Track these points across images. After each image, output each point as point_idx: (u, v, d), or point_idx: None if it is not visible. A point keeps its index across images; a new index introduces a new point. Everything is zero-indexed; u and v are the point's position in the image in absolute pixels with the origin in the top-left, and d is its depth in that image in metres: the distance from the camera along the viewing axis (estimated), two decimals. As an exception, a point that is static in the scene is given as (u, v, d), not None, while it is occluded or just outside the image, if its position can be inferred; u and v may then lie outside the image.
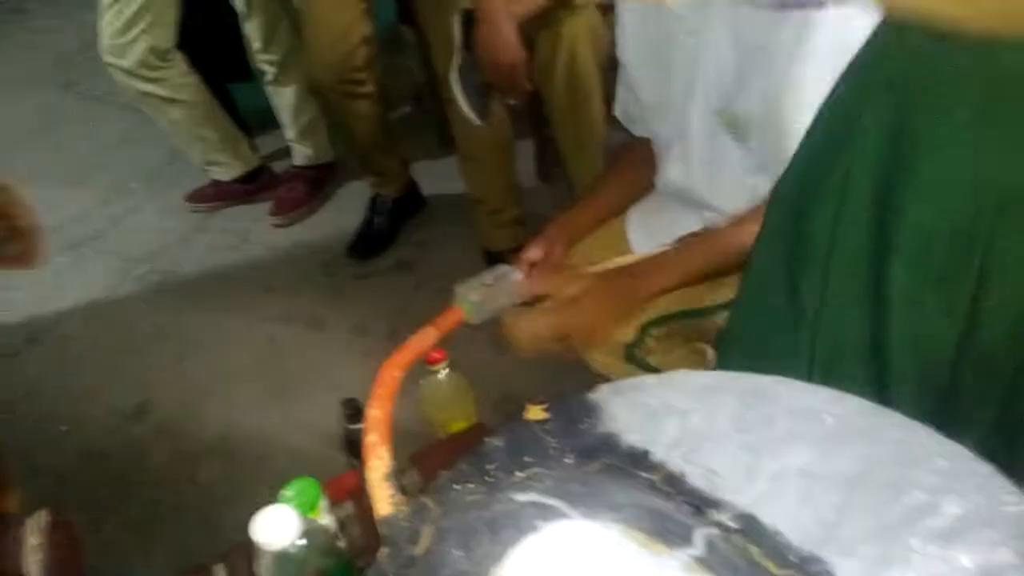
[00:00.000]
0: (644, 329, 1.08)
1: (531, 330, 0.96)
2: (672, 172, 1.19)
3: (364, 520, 0.82)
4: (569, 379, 1.26)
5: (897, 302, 0.75)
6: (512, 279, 1.02)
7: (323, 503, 0.76)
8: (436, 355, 1.12)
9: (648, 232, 1.24)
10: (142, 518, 1.62)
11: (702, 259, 1.02)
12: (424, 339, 0.82)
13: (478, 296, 0.96)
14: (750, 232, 0.94)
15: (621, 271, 0.98)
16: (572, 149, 1.79)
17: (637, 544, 0.39)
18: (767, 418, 0.61)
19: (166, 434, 1.81)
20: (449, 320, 0.91)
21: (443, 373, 1.15)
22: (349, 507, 0.87)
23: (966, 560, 0.50)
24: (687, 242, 1.03)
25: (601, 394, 0.65)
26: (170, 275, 2.28)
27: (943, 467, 0.56)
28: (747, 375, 0.71)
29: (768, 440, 0.59)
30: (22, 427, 1.85)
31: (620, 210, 1.26)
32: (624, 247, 1.28)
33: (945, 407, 0.77)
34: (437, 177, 2.30)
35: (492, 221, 1.94)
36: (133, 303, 2.20)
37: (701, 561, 0.41)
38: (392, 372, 0.71)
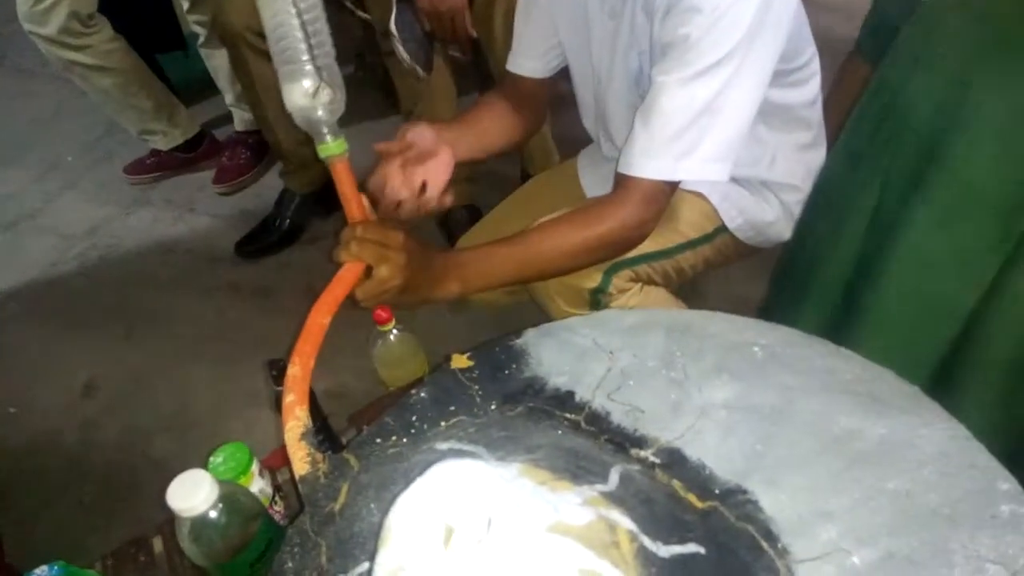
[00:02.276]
0: (608, 273, 1.07)
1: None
2: (603, 147, 1.18)
3: (297, 487, 0.80)
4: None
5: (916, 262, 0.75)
6: None
7: (255, 468, 0.74)
8: (384, 314, 1.09)
9: (597, 176, 1.22)
10: (96, 496, 1.58)
11: (546, 255, 0.91)
12: (344, 279, 0.76)
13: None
14: (620, 218, 0.92)
15: (447, 258, 0.88)
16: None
17: (537, 481, 0.37)
18: (696, 353, 0.60)
19: (117, 411, 1.77)
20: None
21: (393, 333, 1.13)
22: (287, 472, 0.85)
23: (889, 482, 0.50)
24: (527, 238, 0.92)
25: (527, 338, 0.64)
26: (112, 250, 2.21)
27: (868, 392, 0.55)
28: (679, 311, 0.70)
29: (695, 375, 0.58)
30: (-34, 412, 1.80)
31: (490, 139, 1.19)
32: (577, 190, 1.25)
33: (944, 378, 0.77)
34: (382, 136, 2.24)
35: (440, 180, 1.90)
36: (75, 280, 2.13)
37: (610, 496, 0.39)
38: (317, 320, 0.68)
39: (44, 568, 0.64)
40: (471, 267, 0.88)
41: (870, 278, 0.79)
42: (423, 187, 1.04)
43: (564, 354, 0.61)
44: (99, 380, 1.84)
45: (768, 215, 1.13)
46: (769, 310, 1.09)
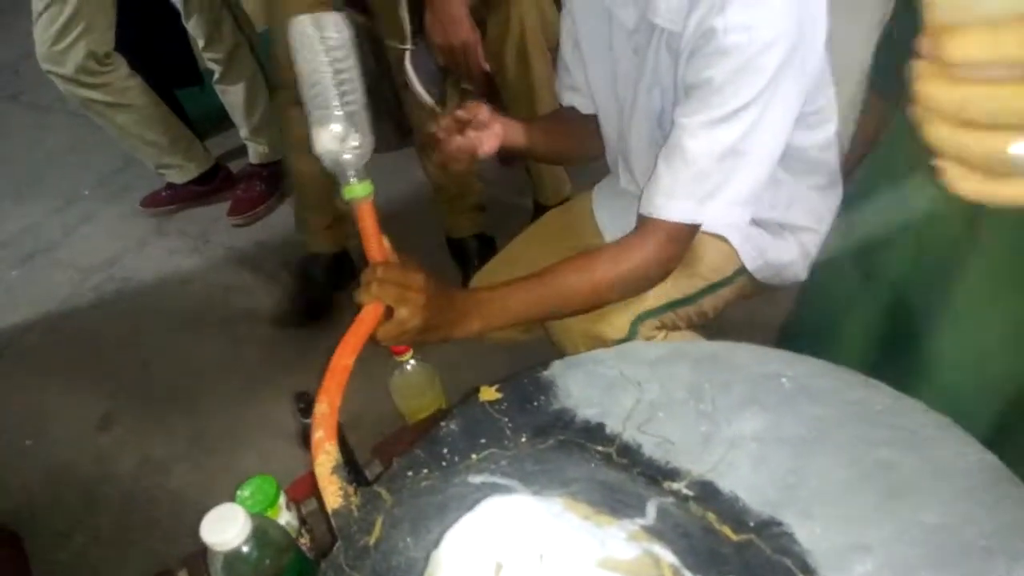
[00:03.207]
0: (635, 324, 1.06)
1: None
2: (622, 180, 1.18)
3: (327, 518, 0.80)
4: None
5: (965, 310, 0.72)
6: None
7: (282, 501, 0.74)
8: (400, 346, 1.10)
9: (614, 210, 1.22)
10: (113, 528, 1.58)
11: (567, 293, 0.92)
12: (366, 320, 0.78)
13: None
14: (641, 258, 0.92)
15: (467, 297, 0.89)
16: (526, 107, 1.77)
17: (580, 516, 0.37)
18: (723, 385, 0.60)
19: (133, 443, 1.77)
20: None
21: (411, 364, 1.13)
22: (312, 504, 0.85)
23: (926, 516, 0.49)
24: (547, 278, 0.92)
25: (555, 370, 0.64)
26: (128, 282, 2.23)
27: (901, 424, 0.55)
28: (704, 342, 0.70)
29: (724, 407, 0.58)
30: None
31: (558, 142, 1.21)
32: (592, 225, 1.26)
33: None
34: (393, 167, 2.27)
35: (453, 208, 1.92)
36: (92, 312, 2.15)
37: (650, 530, 0.39)
38: (341, 362, 0.69)
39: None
40: (491, 305, 0.89)
41: (907, 343, 0.75)
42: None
43: (592, 386, 0.62)
44: (116, 412, 1.85)
45: (786, 256, 1.13)
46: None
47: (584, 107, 1.18)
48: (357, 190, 0.81)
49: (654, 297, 1.04)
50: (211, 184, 2.43)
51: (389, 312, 0.80)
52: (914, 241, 0.73)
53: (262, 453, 1.64)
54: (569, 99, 1.20)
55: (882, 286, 0.78)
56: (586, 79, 1.14)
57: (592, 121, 1.19)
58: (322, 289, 1.97)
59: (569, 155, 1.26)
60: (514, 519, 0.34)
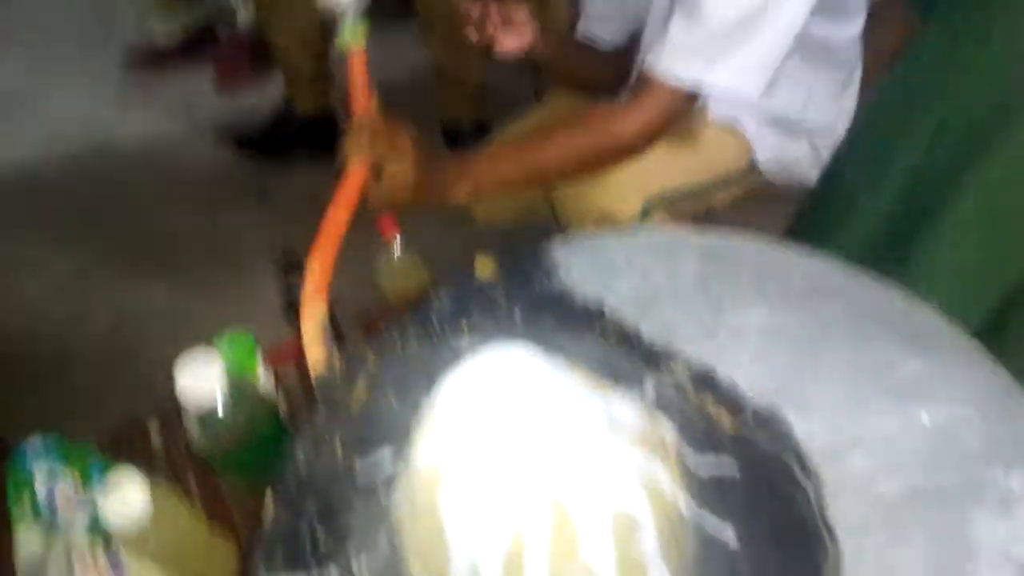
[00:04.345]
0: (645, 207, 1.04)
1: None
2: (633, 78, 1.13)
3: (304, 382, 0.79)
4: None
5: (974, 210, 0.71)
6: None
7: (260, 365, 0.72)
8: (389, 227, 1.07)
9: None
10: (85, 385, 1.57)
11: (558, 157, 0.89)
12: (354, 176, 0.75)
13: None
14: (634, 123, 0.89)
15: (457, 160, 0.87)
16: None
17: (583, 379, 0.35)
18: (731, 276, 0.57)
19: (108, 300, 1.74)
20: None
21: (398, 247, 1.11)
22: (291, 371, 0.83)
23: (925, 416, 0.48)
24: (538, 140, 0.91)
25: (557, 249, 0.61)
26: (108, 142, 2.14)
27: (908, 325, 0.53)
28: (714, 234, 0.68)
29: (730, 298, 0.56)
30: (-43, 294, 1.77)
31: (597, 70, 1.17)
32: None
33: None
34: (394, 41, 2.16)
35: (453, 91, 1.84)
36: (70, 169, 2.08)
37: (649, 406, 0.38)
38: (334, 218, 0.66)
39: (37, 439, 0.63)
40: (482, 167, 0.87)
41: (920, 229, 0.75)
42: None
43: (594, 268, 0.59)
44: (93, 270, 1.81)
45: (797, 154, 1.11)
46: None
47: (606, 34, 1.14)
48: (354, 33, 0.77)
49: (668, 181, 1.02)
50: (197, 47, 2.32)
51: (376, 176, 0.77)
52: (936, 127, 0.72)
53: (242, 317, 1.63)
54: (591, 30, 1.15)
55: (892, 181, 0.76)
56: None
57: (609, 56, 1.14)
58: (296, 134, 1.95)
59: (586, 83, 1.20)
60: (516, 368, 0.32)
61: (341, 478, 0.45)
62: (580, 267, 0.59)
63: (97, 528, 0.62)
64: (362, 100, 0.81)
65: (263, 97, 2.22)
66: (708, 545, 0.34)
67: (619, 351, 0.50)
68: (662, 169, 1.01)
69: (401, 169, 0.77)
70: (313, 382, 0.53)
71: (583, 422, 0.31)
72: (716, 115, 1.07)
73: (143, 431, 0.80)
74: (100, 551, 0.60)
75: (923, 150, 0.75)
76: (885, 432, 0.48)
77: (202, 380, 0.56)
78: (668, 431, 0.36)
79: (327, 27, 1.06)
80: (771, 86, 0.92)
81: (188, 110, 2.22)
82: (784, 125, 1.09)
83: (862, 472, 0.46)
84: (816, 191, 1.06)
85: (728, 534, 0.36)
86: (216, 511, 0.66)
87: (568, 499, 0.29)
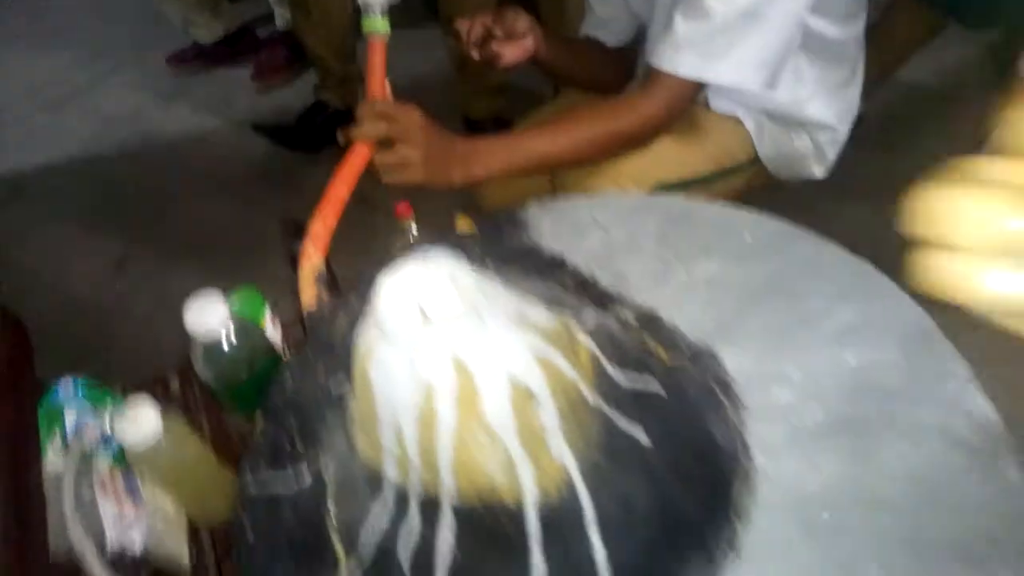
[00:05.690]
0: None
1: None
2: (640, 72, 1.18)
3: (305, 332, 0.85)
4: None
5: None
6: None
7: (268, 317, 0.79)
8: (405, 210, 1.13)
9: None
10: (121, 362, 1.67)
11: (565, 144, 0.93)
12: (359, 153, 0.81)
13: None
14: (641, 114, 0.93)
15: (467, 141, 0.91)
16: (555, 15, 1.75)
17: (518, 296, 0.40)
18: (687, 235, 0.62)
19: (148, 287, 1.84)
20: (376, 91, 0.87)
21: (413, 230, 1.16)
22: (300, 331, 0.90)
23: (851, 358, 0.53)
24: (548, 126, 0.95)
25: (530, 211, 0.67)
26: (150, 135, 2.26)
27: (846, 280, 0.58)
28: (678, 198, 0.73)
29: (684, 253, 0.61)
30: (5, 276, 1.88)
31: (594, 69, 1.21)
32: None
33: None
34: (418, 44, 2.24)
35: (475, 85, 1.91)
36: (113, 161, 2.19)
37: (580, 327, 0.43)
38: (336, 188, 0.73)
39: (69, 379, 0.70)
40: (494, 151, 0.91)
41: None
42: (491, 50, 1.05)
43: (563, 226, 0.64)
44: (131, 257, 1.91)
45: (799, 149, 1.13)
46: None
47: (610, 37, 1.18)
48: (377, 24, 0.83)
49: (671, 170, 1.05)
50: (237, 47, 2.42)
51: (387, 154, 0.83)
52: None
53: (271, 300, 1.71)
54: (594, 32, 1.19)
55: None
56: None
57: (615, 54, 1.18)
58: (325, 129, 2.04)
59: (592, 83, 1.24)
60: (443, 268, 0.37)
61: (318, 396, 0.51)
62: (549, 226, 0.65)
63: (117, 458, 0.69)
64: (378, 84, 0.87)
65: (297, 94, 2.31)
66: (617, 436, 0.39)
67: (573, 295, 0.56)
68: (667, 159, 1.05)
69: (411, 148, 0.82)
70: (304, 322, 0.60)
71: (492, 308, 0.36)
72: (718, 109, 1.10)
73: (163, 380, 0.87)
74: (119, 474, 0.68)
75: None
76: (812, 370, 0.52)
77: (209, 315, 0.62)
78: (588, 342, 0.42)
79: (357, 30, 1.12)
80: (772, 83, 0.95)
81: (227, 105, 2.32)
82: (785, 120, 1.11)
83: (785, 403, 0.51)
84: None
85: (640, 433, 0.41)
86: (223, 449, 0.72)
87: (469, 360, 0.34)
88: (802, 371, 0.52)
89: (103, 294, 1.84)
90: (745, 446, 0.48)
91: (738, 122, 1.11)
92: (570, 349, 0.39)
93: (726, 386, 0.50)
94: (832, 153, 1.14)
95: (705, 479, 0.46)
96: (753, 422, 0.49)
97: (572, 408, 0.37)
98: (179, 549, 0.67)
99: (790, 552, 0.44)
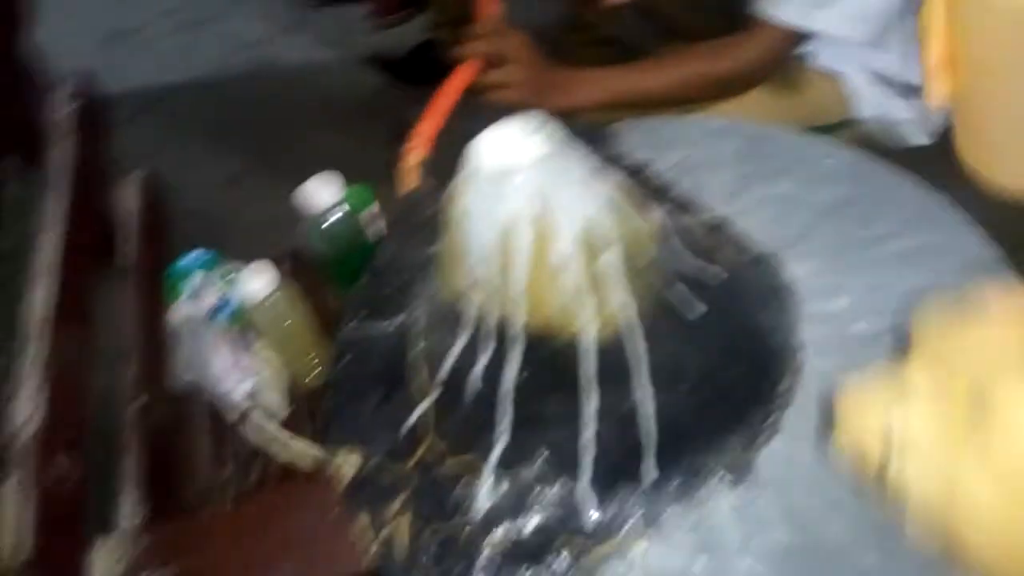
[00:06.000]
0: None
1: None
2: None
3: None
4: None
5: None
6: None
7: (376, 210, 0.85)
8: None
9: None
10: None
11: (663, 82, 0.96)
12: (466, 69, 0.86)
13: None
14: (740, 59, 0.94)
15: (568, 70, 0.94)
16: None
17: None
18: (766, 156, 0.66)
19: (259, 204, 1.98)
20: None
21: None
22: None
23: (909, 278, 0.55)
24: (653, 63, 0.98)
25: (620, 126, 0.72)
26: (272, 63, 2.39)
27: (915, 209, 0.60)
28: (760, 125, 0.76)
29: (762, 172, 0.64)
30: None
31: None
32: None
33: None
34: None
35: (586, 35, 1.92)
36: (235, 84, 2.34)
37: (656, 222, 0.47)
38: (442, 97, 0.79)
39: (196, 250, 0.80)
40: (592, 82, 0.94)
41: None
42: None
43: (649, 140, 0.69)
44: (246, 172, 2.06)
45: (903, 113, 1.11)
46: None
47: None
48: None
49: (763, 122, 1.06)
50: (358, -17, 2.51)
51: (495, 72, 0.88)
52: None
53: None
54: None
55: None
56: None
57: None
58: (435, 66, 2.08)
59: (692, 31, 1.24)
60: (532, 126, 0.42)
61: (413, 258, 0.58)
62: (635, 140, 0.69)
63: (235, 316, 0.78)
64: (492, 2, 0.92)
65: (413, 34, 2.39)
66: (675, 300, 0.44)
67: (652, 195, 0.60)
68: (758, 111, 1.05)
69: (517, 68, 0.87)
70: (400, 201, 0.67)
71: (577, 160, 0.42)
72: (820, 65, 1.09)
73: (278, 259, 0.96)
74: (234, 329, 0.77)
75: None
76: (870, 285, 0.55)
77: (321, 192, 0.70)
78: (659, 215, 0.46)
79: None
80: (881, 42, 0.94)
81: (343, 40, 2.43)
82: (890, 84, 1.09)
83: (840, 311, 0.54)
84: None
85: (697, 305, 0.46)
86: (324, 324, 0.80)
87: (551, 195, 0.39)
88: (861, 287, 0.55)
89: (215, 207, 1.99)
90: (795, 341, 0.52)
91: (837, 81, 1.10)
92: (642, 211, 0.44)
93: (786, 287, 0.54)
94: (934, 120, 1.12)
95: (754, 363, 0.50)
96: (807, 323, 0.53)
97: (637, 260, 0.42)
98: (279, 399, 0.76)
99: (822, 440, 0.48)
